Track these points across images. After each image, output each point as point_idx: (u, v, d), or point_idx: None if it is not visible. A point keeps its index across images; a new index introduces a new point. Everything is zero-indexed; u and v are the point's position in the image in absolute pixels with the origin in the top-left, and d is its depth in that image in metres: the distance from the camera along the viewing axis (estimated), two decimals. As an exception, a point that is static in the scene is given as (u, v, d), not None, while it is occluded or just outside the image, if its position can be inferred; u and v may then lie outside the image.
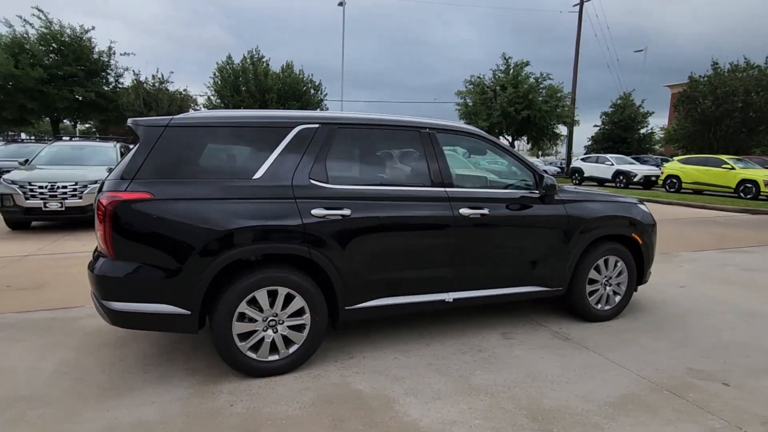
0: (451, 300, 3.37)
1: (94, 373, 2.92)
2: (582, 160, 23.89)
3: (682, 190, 17.64)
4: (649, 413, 2.55)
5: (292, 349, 2.94)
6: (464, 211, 3.30)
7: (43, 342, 3.36)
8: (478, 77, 27.43)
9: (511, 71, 26.24)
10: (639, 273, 4.10)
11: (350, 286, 3.02)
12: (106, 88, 20.61)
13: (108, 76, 20.80)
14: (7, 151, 12.87)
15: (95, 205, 2.71)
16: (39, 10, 19.44)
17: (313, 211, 2.88)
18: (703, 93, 22.69)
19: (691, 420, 2.50)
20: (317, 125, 3.08)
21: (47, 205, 7.42)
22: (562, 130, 29.03)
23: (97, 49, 20.04)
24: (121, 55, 21.54)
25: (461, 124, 3.70)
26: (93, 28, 20.36)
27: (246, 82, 22.51)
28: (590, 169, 22.34)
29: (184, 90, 23.55)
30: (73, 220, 7.88)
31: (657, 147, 34.34)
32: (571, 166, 24.69)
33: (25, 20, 19.33)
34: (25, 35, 18.61)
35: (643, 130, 33.47)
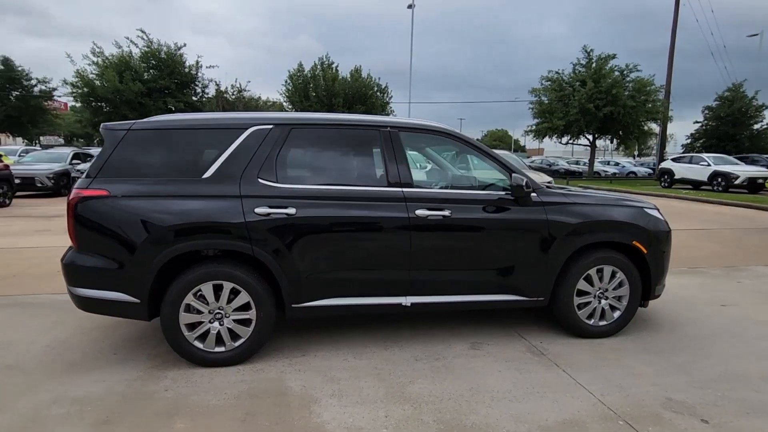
0: (409, 304, 3.26)
1: (74, 351, 3.27)
2: (673, 160, 21.48)
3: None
4: (584, 443, 2.26)
5: (238, 343, 3.05)
6: (421, 212, 3.17)
7: (52, 320, 3.83)
8: (556, 73, 25.85)
9: (594, 65, 24.36)
10: (646, 286, 3.62)
11: (297, 285, 3.06)
12: (194, 99, 22.83)
13: (196, 88, 23.01)
14: (41, 155, 15.55)
15: None
16: (142, 31, 22.23)
17: (257, 210, 2.96)
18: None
19: (630, 456, 2.17)
20: (271, 126, 3.16)
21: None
22: (654, 127, 26.37)
23: (187, 63, 22.31)
24: (207, 67, 23.89)
25: (428, 122, 3.55)
26: (185, 44, 22.73)
27: (315, 88, 23.56)
28: (682, 170, 20.02)
29: (258, 97, 25.32)
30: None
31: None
32: (659, 167, 22.29)
33: (131, 41, 22.21)
34: (129, 54, 21.30)
35: (756, 126, 29.17)
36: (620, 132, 25.22)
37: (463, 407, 2.59)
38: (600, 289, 3.54)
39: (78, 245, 2.94)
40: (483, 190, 3.57)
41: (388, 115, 24.13)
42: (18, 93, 21.89)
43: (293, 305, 3.10)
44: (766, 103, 28.33)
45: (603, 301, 3.56)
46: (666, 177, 20.66)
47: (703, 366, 3.13)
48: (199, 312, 2.98)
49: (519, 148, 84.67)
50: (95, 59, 20.92)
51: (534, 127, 26.60)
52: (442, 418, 2.48)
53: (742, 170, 17.97)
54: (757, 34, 28.61)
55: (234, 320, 3.03)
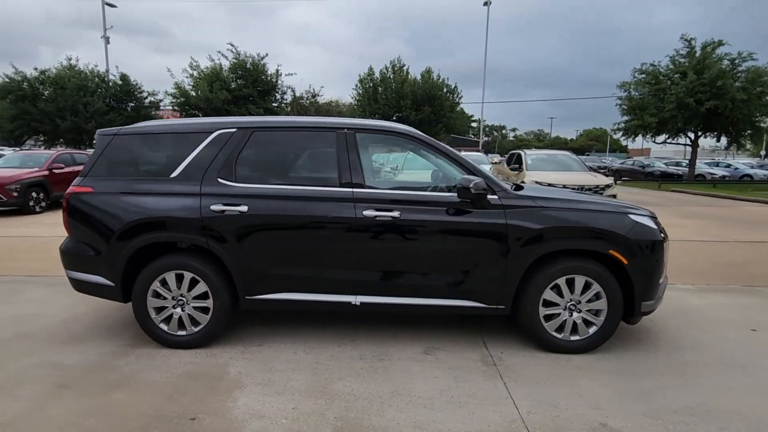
0: (358, 303, 3.30)
1: (79, 325, 3.80)
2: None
3: None
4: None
5: (197, 328, 3.33)
6: (368, 213, 3.19)
7: (79, 299, 4.46)
8: (651, 65, 23.38)
9: (697, 54, 21.63)
10: (629, 300, 3.26)
11: (249, 278, 3.26)
12: (274, 105, 24.51)
13: (276, 95, 24.67)
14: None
15: None
16: (232, 45, 24.43)
17: (212, 207, 3.21)
18: None
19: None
20: (234, 129, 3.40)
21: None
22: (773, 123, 22.75)
23: (269, 72, 24.01)
24: (286, 75, 25.49)
25: (388, 123, 3.54)
26: (267, 54, 24.40)
27: (385, 90, 24.00)
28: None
29: (330, 101, 26.43)
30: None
31: None
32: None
33: (221, 54, 24.51)
34: (220, 66, 23.51)
35: None
36: (730, 128, 22.11)
37: (373, 408, 2.58)
38: (571, 300, 3.26)
39: (70, 233, 3.43)
40: (443, 192, 3.47)
41: (454, 115, 23.68)
42: (132, 104, 25.23)
43: (246, 297, 3.30)
44: None
45: (575, 314, 3.28)
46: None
47: (673, 395, 2.76)
48: (164, 298, 3.31)
49: (619, 148, 77.70)
50: (192, 72, 23.42)
51: (622, 124, 24.34)
52: (345, 416, 2.50)
53: None
54: None
55: (194, 307, 3.32)
